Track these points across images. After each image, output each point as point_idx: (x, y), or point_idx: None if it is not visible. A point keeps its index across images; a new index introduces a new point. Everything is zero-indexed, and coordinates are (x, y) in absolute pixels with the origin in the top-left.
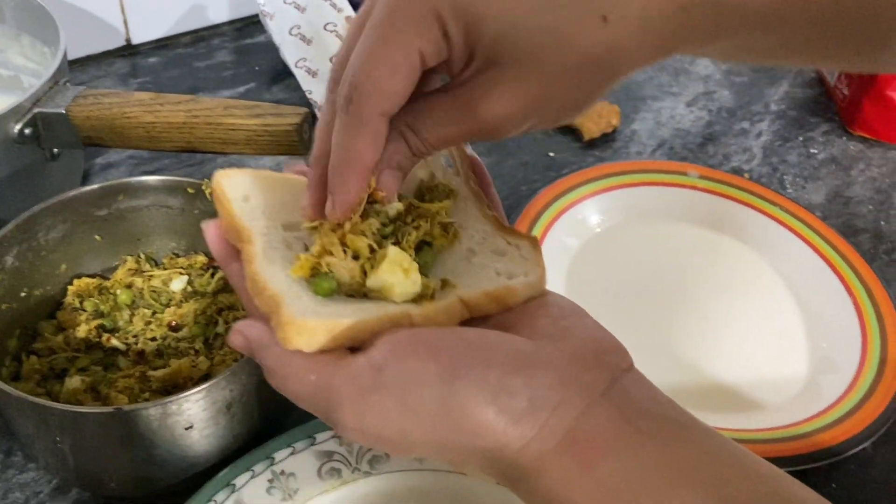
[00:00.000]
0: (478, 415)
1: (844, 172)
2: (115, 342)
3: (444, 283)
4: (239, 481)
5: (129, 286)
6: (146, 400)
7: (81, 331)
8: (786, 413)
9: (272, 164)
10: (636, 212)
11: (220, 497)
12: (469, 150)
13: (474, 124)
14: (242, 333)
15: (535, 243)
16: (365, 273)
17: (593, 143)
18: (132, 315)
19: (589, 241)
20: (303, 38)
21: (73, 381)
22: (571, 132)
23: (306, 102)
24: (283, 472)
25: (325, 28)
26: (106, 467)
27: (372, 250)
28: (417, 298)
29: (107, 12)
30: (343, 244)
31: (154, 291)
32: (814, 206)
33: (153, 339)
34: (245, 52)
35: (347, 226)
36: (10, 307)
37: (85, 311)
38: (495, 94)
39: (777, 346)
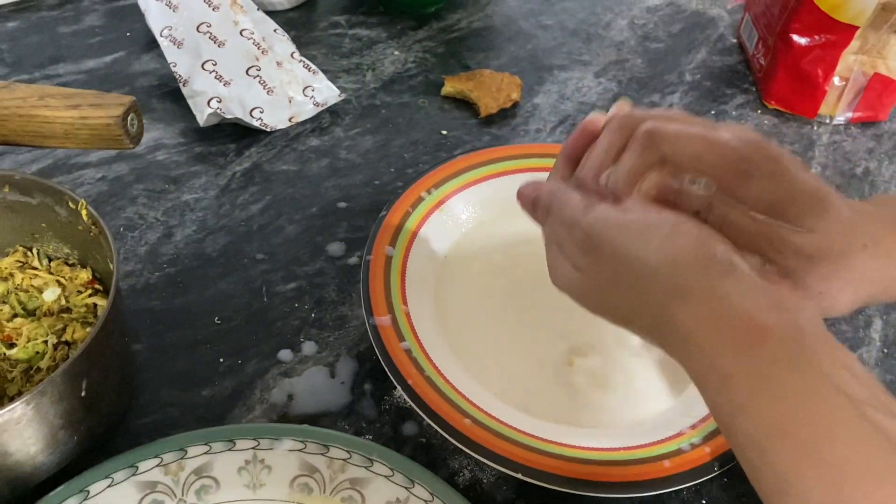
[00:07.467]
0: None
1: None
2: None
3: None
4: None
5: (6, 279)
6: None
7: None
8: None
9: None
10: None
11: None
12: None
13: None
14: (534, 187)
15: None
16: None
17: (490, 120)
18: None
19: (460, 238)
20: (169, 3)
21: None
22: (468, 107)
23: (171, 76)
24: None
25: None
26: None
27: None
28: None
29: None
30: None
31: (26, 292)
32: None
33: None
34: (116, 16)
35: None
36: None
37: None
38: None
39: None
